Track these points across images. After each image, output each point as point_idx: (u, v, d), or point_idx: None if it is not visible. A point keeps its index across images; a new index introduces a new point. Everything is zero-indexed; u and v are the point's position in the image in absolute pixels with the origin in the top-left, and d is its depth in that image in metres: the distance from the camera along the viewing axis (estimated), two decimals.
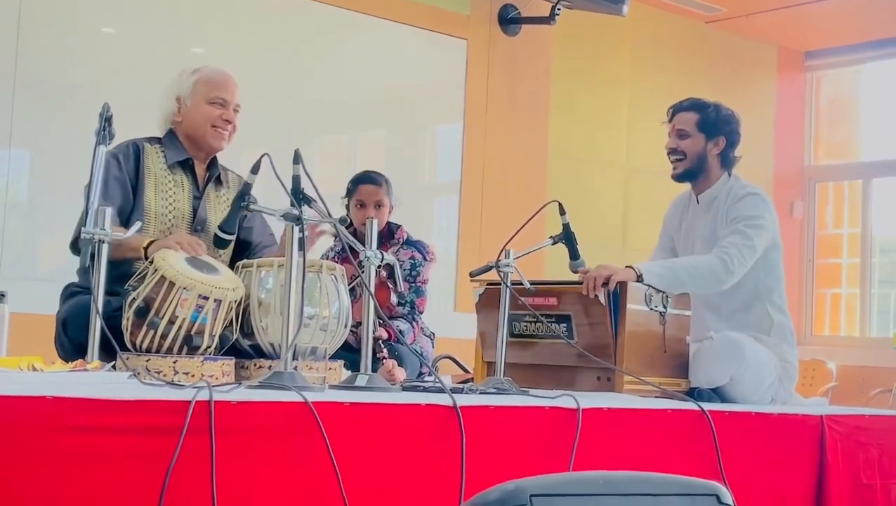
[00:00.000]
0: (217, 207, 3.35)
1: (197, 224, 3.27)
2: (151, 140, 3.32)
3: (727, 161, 3.69)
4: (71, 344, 2.93)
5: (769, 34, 7.66)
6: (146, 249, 2.93)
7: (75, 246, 3.15)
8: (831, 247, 8.02)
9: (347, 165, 5.98)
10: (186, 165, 3.33)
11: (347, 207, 4.22)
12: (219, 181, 3.40)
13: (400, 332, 3.97)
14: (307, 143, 5.59)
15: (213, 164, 3.40)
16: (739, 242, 3.48)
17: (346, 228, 4.15)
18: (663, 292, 3.36)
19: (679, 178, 3.72)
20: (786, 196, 7.62)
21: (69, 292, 3.23)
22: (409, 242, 4.26)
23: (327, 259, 4.18)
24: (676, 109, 3.71)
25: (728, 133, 3.67)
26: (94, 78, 4.85)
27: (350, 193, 4.21)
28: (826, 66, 8.08)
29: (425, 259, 4.24)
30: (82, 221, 3.10)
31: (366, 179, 4.23)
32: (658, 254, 3.83)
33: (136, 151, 3.25)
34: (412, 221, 4.44)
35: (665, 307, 3.37)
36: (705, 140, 3.65)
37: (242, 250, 3.36)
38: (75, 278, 3.26)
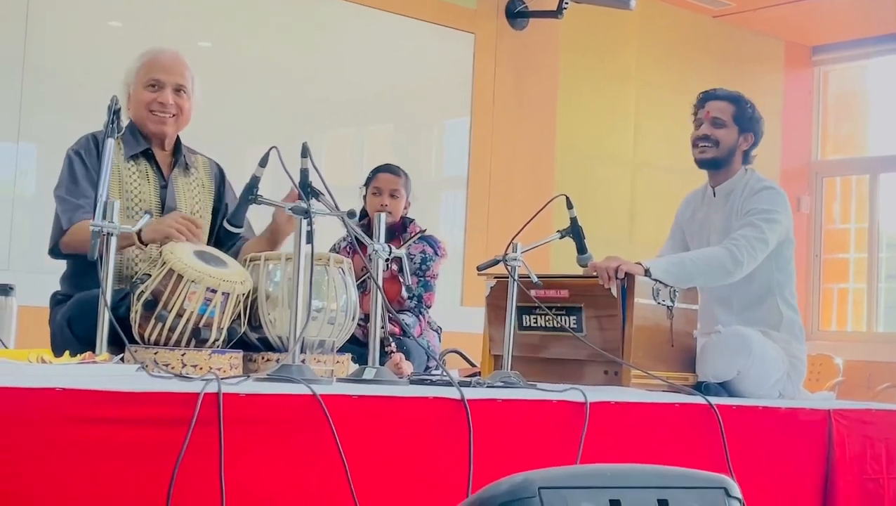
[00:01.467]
0: (187, 194, 3.24)
1: (165, 214, 3.13)
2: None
3: (748, 157, 3.70)
4: (78, 343, 2.88)
5: (776, 29, 7.65)
6: (139, 233, 2.88)
7: (54, 252, 3.14)
8: (838, 242, 8.01)
9: (355, 159, 5.98)
10: (147, 155, 3.21)
11: (365, 197, 4.26)
12: (186, 167, 3.27)
13: (406, 325, 3.98)
14: (314, 137, 5.60)
15: (177, 149, 3.28)
16: (751, 235, 3.47)
17: (360, 219, 4.18)
18: (671, 287, 3.36)
19: (705, 163, 3.68)
20: (793, 191, 7.60)
21: (56, 301, 3.18)
22: (421, 237, 4.28)
23: (337, 251, 4.19)
24: (709, 97, 3.71)
25: (756, 132, 3.69)
26: (101, 71, 4.85)
27: (369, 180, 4.28)
28: (833, 60, 8.06)
29: (436, 254, 4.26)
30: (57, 228, 3.08)
31: (385, 168, 4.30)
32: (668, 249, 3.82)
33: (96, 145, 3.14)
34: (419, 215, 4.45)
35: (672, 301, 3.37)
36: (738, 133, 3.66)
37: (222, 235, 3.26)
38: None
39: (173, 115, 3.19)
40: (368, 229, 3.95)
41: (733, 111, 3.66)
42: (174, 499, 2.10)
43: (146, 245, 2.93)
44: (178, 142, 3.28)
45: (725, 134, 3.65)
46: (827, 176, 8.05)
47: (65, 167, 3.15)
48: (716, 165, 3.67)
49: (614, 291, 3.27)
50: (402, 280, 4.09)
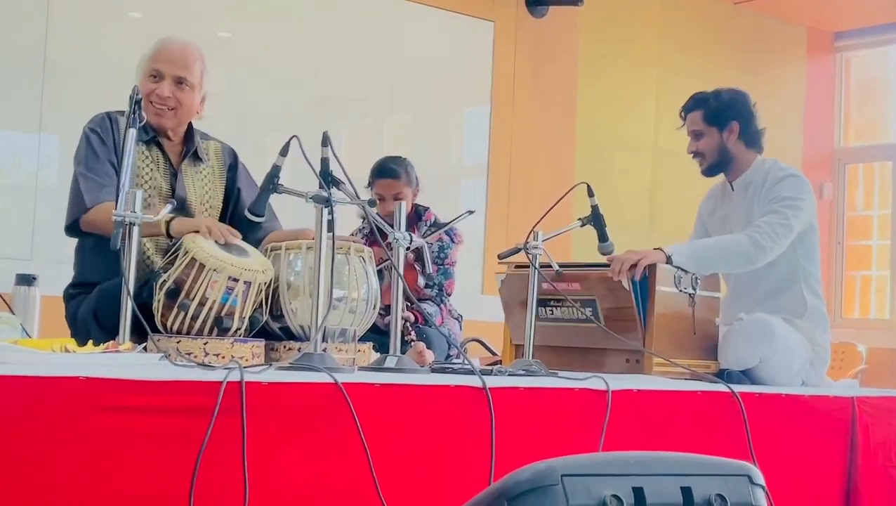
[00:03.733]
0: (196, 184, 3.21)
1: (178, 202, 3.11)
2: (124, 113, 3.04)
3: (751, 140, 3.65)
4: (103, 334, 2.88)
5: (798, 15, 7.59)
6: (168, 223, 2.88)
7: (71, 228, 3.11)
8: (861, 229, 7.96)
9: (374, 148, 5.98)
10: (156, 143, 3.17)
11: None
12: (197, 157, 3.23)
13: (428, 314, 3.97)
14: (334, 126, 5.59)
15: (188, 138, 3.24)
16: (774, 221, 3.44)
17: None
18: (693, 274, 3.35)
19: (707, 173, 3.71)
20: (815, 178, 7.53)
21: (69, 295, 3.17)
22: (436, 225, 4.26)
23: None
24: (685, 111, 3.71)
25: (737, 115, 3.63)
26: (122, 62, 4.85)
27: (370, 185, 4.19)
28: (856, 46, 7.99)
29: (453, 241, 4.24)
30: (79, 205, 3.07)
31: (383, 172, 4.18)
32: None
33: (110, 124, 3.12)
34: (439, 203, 4.44)
35: (694, 289, 3.35)
36: (718, 132, 3.63)
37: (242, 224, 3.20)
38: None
39: (171, 109, 3.14)
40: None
41: (702, 115, 3.64)
42: (198, 487, 2.11)
43: (172, 238, 2.93)
44: (189, 131, 3.24)
45: (707, 142, 3.64)
46: (849, 163, 8.00)
47: (83, 144, 3.13)
48: (717, 169, 3.67)
49: (625, 284, 3.25)
50: (419, 269, 4.09)
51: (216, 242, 2.81)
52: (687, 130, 3.70)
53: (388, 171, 4.18)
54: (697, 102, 3.67)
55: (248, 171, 3.38)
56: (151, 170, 3.15)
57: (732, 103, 3.65)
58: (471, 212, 3.61)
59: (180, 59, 3.15)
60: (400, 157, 4.27)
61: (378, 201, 4.11)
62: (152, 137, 3.17)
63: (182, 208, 3.13)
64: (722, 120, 3.62)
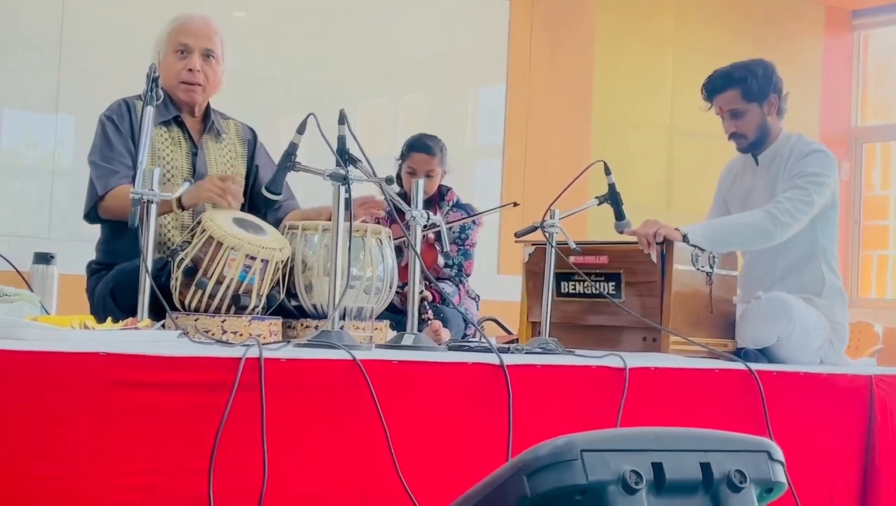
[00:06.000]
0: (218, 159, 3.23)
1: (197, 180, 3.10)
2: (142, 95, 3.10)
3: (781, 110, 3.59)
4: (121, 313, 2.90)
5: None
6: (179, 199, 2.89)
7: (89, 216, 3.14)
8: (878, 208, 7.91)
9: (389, 127, 5.98)
10: (177, 122, 3.19)
11: (400, 168, 4.22)
12: (217, 133, 3.26)
13: (446, 294, 3.97)
14: (349, 106, 5.56)
15: (207, 115, 3.24)
16: (795, 197, 3.41)
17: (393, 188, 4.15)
18: (710, 252, 3.34)
19: (745, 151, 3.63)
20: None
21: (92, 270, 3.19)
22: (458, 205, 4.26)
23: (372, 220, 4.17)
24: (711, 91, 3.57)
25: (774, 87, 3.56)
26: (137, 42, 4.85)
27: (403, 157, 4.20)
28: (874, 24, 7.93)
29: (474, 222, 4.24)
30: (93, 194, 3.09)
31: (420, 146, 4.18)
32: (713, 217, 3.75)
33: (128, 110, 3.14)
34: (454, 182, 4.43)
35: (711, 267, 3.34)
36: (759, 107, 3.55)
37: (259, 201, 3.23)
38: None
39: (202, 85, 3.16)
40: (403, 198, 3.94)
41: (741, 93, 3.52)
42: (217, 462, 2.12)
43: (184, 210, 2.95)
44: (207, 108, 3.26)
45: (749, 120, 3.54)
46: (867, 141, 7.95)
47: (98, 132, 3.16)
48: (758, 146, 3.61)
49: (654, 257, 3.24)
50: (438, 248, 4.09)
51: (233, 219, 2.82)
52: (718, 110, 3.59)
53: (424, 146, 4.19)
54: (732, 80, 3.54)
55: (266, 149, 3.39)
56: (172, 151, 3.16)
57: (769, 75, 3.56)
58: (515, 204, 3.61)
59: (205, 32, 3.17)
60: (436, 136, 4.27)
61: (409, 174, 4.13)
62: (174, 115, 3.18)
63: None
64: (763, 95, 3.53)
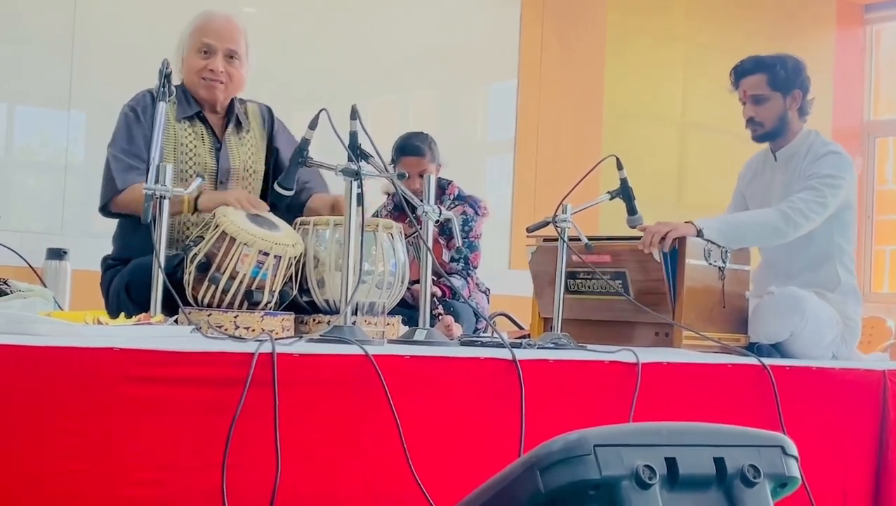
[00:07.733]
0: (241, 152, 3.23)
1: (221, 176, 3.16)
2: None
3: (804, 111, 3.60)
4: (135, 308, 2.91)
5: None
6: (196, 200, 2.90)
7: (105, 209, 3.14)
8: (891, 202, 7.89)
9: (400, 123, 5.97)
10: (200, 117, 3.19)
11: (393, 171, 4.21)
12: (239, 124, 3.25)
13: (456, 288, 3.97)
14: (360, 101, 5.56)
15: (230, 109, 3.24)
16: (808, 197, 3.40)
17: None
18: (722, 247, 3.33)
19: (760, 140, 3.63)
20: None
21: (107, 265, 3.19)
22: (460, 198, 4.25)
23: (380, 217, 4.18)
24: (740, 74, 3.58)
25: (801, 83, 3.56)
26: (150, 38, 4.87)
27: (394, 162, 4.18)
28: (886, 18, 7.90)
29: (477, 213, 4.23)
30: (111, 187, 3.10)
31: (407, 149, 4.16)
32: (731, 213, 3.75)
33: (152, 101, 3.11)
34: (465, 179, 4.43)
35: (724, 262, 3.34)
36: (782, 98, 3.55)
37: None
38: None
39: (223, 83, 3.16)
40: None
41: (767, 80, 3.53)
42: (230, 457, 2.13)
43: (197, 212, 2.95)
44: (230, 104, 3.26)
45: (770, 108, 3.55)
46: (879, 136, 7.92)
47: (120, 123, 3.15)
48: (771, 138, 3.61)
49: (656, 256, 3.23)
50: (442, 243, 4.09)
51: (247, 215, 2.82)
52: (742, 95, 3.59)
53: (412, 148, 4.17)
54: (761, 65, 3.55)
55: (284, 126, 3.38)
56: (196, 146, 3.17)
57: (799, 70, 3.56)
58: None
59: (228, 33, 3.17)
60: (423, 133, 4.25)
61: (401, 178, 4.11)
62: (196, 111, 3.19)
63: (227, 181, 3.17)
64: (789, 86, 3.54)
